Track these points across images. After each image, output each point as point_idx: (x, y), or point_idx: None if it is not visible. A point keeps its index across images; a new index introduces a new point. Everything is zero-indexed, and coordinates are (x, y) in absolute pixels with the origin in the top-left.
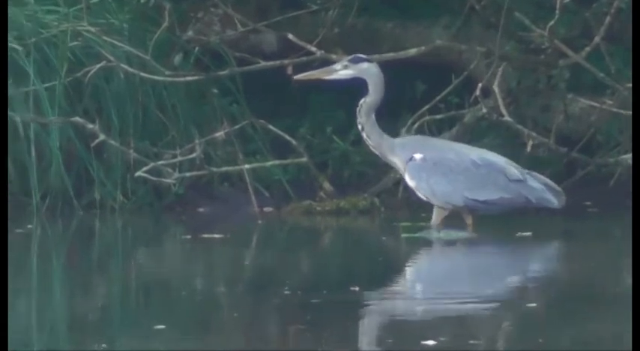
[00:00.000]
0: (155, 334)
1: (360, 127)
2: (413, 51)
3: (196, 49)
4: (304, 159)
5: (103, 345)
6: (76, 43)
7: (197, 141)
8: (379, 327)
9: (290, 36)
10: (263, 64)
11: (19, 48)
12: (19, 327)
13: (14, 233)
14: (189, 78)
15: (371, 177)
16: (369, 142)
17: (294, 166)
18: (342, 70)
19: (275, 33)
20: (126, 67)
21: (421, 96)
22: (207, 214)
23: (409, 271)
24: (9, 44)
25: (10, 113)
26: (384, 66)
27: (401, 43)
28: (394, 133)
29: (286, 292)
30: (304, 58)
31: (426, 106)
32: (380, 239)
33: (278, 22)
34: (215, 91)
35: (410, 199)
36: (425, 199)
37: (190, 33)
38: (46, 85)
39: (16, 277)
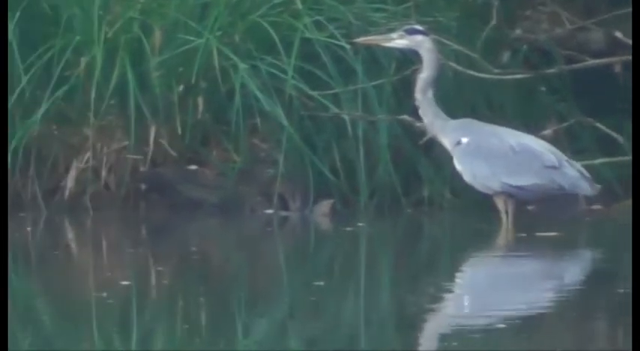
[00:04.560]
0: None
1: (416, 103)
2: None
3: (524, 46)
4: (627, 158)
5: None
6: None
7: None
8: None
9: (618, 34)
10: (591, 61)
11: (348, 46)
12: (348, 325)
13: (344, 231)
14: (517, 76)
15: None
16: (424, 120)
17: (622, 164)
18: (397, 39)
19: (603, 31)
20: (454, 65)
21: None
22: (535, 212)
23: None
24: (337, 42)
25: (338, 111)
26: None
27: None
28: None
29: (620, 291)
30: (630, 57)
31: None
32: None
33: (606, 20)
34: (543, 89)
35: None
36: (469, 183)
37: (518, 31)
38: (374, 83)
39: (346, 275)
